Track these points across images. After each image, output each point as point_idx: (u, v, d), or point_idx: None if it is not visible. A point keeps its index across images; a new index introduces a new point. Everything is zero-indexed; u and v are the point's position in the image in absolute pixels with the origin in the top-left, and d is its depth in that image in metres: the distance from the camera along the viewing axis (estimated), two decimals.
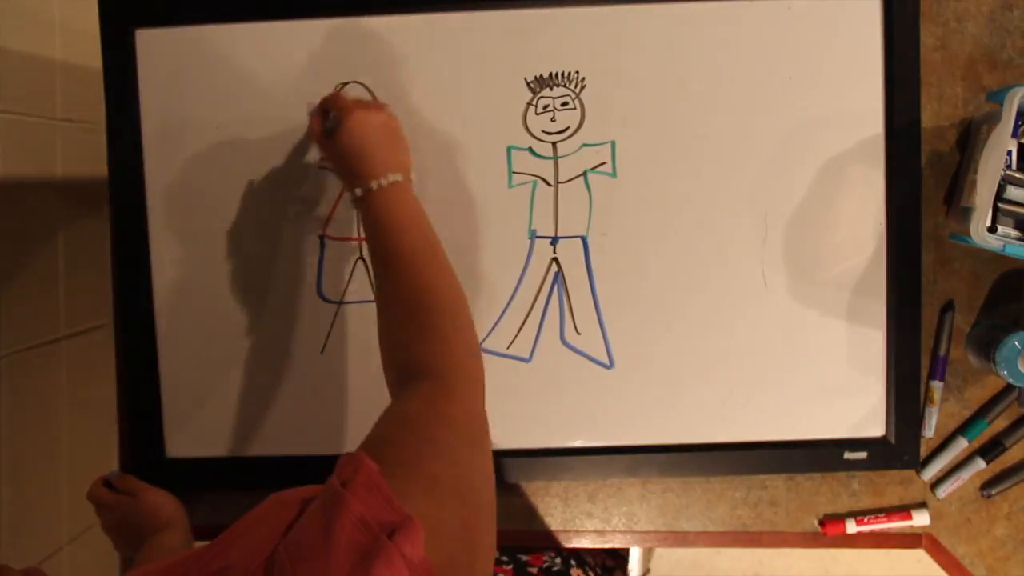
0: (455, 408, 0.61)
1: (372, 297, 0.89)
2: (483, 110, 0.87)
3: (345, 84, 0.87)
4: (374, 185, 0.72)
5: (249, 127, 0.88)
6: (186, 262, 0.90)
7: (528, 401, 0.89)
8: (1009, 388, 0.88)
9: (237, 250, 0.89)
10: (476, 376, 0.66)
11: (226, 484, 0.93)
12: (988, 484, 0.89)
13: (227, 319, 0.90)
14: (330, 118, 0.76)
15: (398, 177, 0.73)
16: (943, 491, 0.89)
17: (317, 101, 0.80)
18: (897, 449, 0.87)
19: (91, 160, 1.36)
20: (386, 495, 0.48)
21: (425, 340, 0.65)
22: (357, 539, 0.45)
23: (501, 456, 0.90)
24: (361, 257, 0.89)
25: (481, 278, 0.88)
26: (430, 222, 0.73)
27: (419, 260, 0.70)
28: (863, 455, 0.87)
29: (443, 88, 0.87)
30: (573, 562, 1.05)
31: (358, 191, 0.73)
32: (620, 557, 1.16)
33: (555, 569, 1.03)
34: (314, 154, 0.88)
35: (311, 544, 0.45)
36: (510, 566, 1.02)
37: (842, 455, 0.88)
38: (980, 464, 0.88)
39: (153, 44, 0.87)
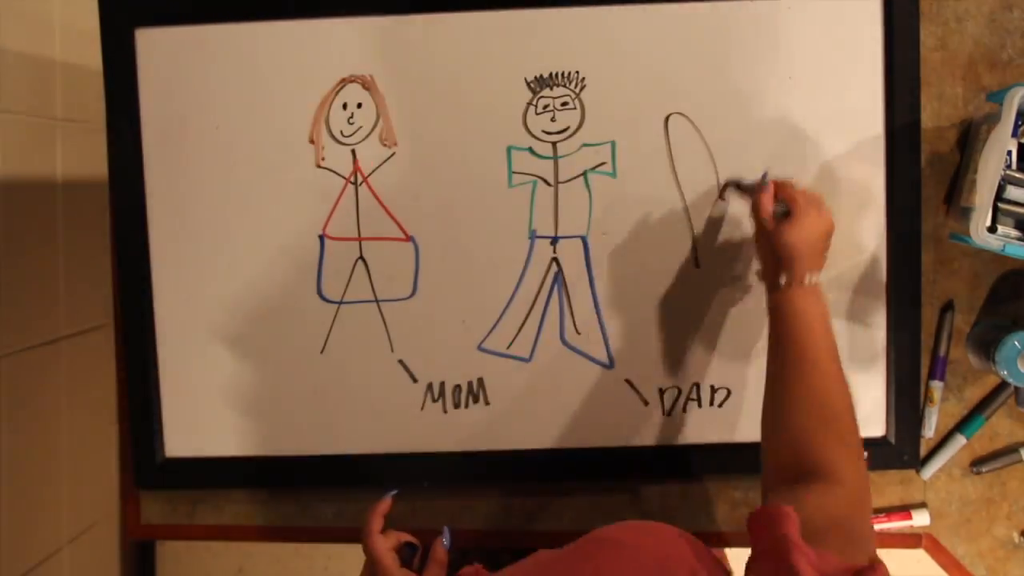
0: (868, 527, 0.64)
1: (371, 298, 0.89)
2: (483, 110, 0.87)
3: (354, 80, 0.87)
4: (805, 281, 0.73)
5: (249, 127, 0.88)
6: (186, 262, 0.90)
7: (528, 401, 0.89)
8: (1005, 384, 0.88)
9: (237, 250, 0.89)
10: (868, 485, 0.68)
11: (226, 484, 0.93)
12: (978, 462, 0.89)
13: (227, 319, 0.90)
14: (778, 203, 0.77)
15: (819, 279, 0.74)
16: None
17: None
18: (897, 449, 0.87)
19: (91, 160, 1.36)
20: None
21: (836, 448, 0.66)
22: None
23: (501, 456, 0.90)
24: (361, 257, 0.89)
25: (481, 278, 0.88)
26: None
27: (831, 364, 0.71)
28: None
29: (443, 88, 0.87)
30: None
31: (783, 280, 0.74)
32: None
33: None
34: (311, 155, 0.88)
35: None
36: None
37: None
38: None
39: (153, 44, 0.88)
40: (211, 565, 1.76)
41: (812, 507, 0.61)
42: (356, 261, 0.89)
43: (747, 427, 0.88)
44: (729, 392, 0.88)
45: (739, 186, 0.85)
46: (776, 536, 0.54)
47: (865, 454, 0.68)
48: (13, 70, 1.20)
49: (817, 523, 0.59)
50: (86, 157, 1.36)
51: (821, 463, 0.65)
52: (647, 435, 0.89)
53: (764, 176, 0.80)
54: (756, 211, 0.77)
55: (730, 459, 0.88)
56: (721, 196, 0.85)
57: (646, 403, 0.89)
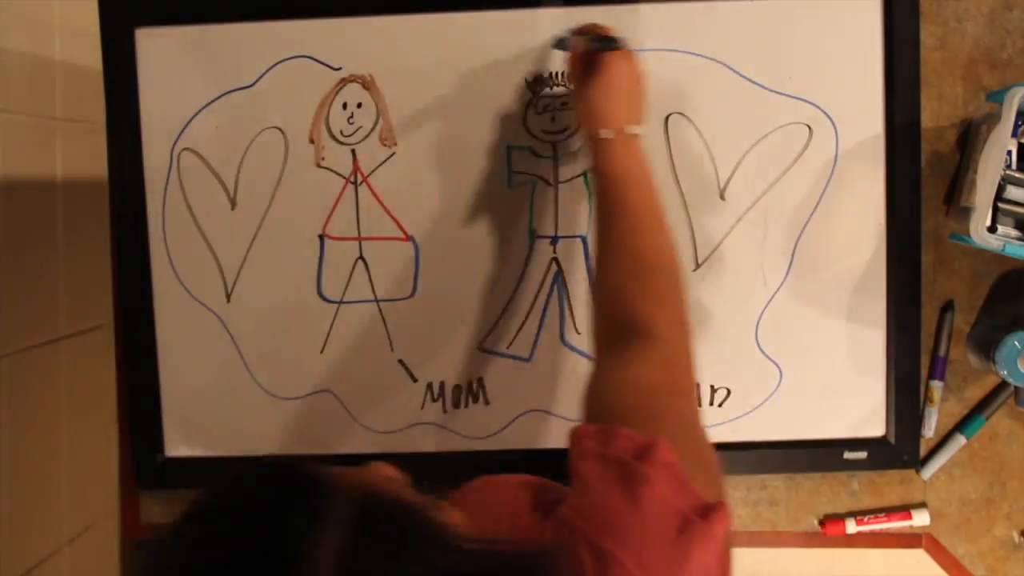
0: (687, 381, 0.62)
1: (371, 297, 0.89)
2: (484, 110, 0.87)
3: (355, 80, 0.87)
4: (625, 131, 0.71)
5: (248, 126, 0.88)
6: (186, 262, 0.90)
7: (528, 401, 0.89)
8: (1005, 384, 0.88)
9: (237, 249, 0.89)
10: (691, 340, 0.65)
11: None
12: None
13: (227, 318, 0.90)
14: (595, 41, 0.74)
15: (641, 130, 0.72)
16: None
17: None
18: (897, 449, 0.87)
19: (91, 160, 1.36)
20: (681, 478, 0.48)
21: (652, 302, 0.64)
22: (668, 517, 0.45)
23: (501, 455, 0.90)
24: (361, 257, 0.89)
25: (481, 278, 0.88)
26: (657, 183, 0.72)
27: (650, 219, 0.69)
28: (863, 455, 0.87)
29: (443, 88, 0.87)
30: None
31: (604, 133, 0.71)
32: None
33: None
34: (311, 155, 0.88)
35: (618, 519, 0.45)
36: None
37: (842, 455, 0.88)
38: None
39: (153, 43, 0.88)
40: None
41: (635, 372, 0.59)
42: (356, 261, 0.89)
43: (747, 427, 0.88)
44: (729, 392, 0.88)
45: (558, 45, 0.80)
46: (631, 452, 0.50)
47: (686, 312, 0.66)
48: (13, 70, 1.20)
49: (627, 394, 0.58)
50: (86, 157, 1.35)
51: (637, 319, 0.63)
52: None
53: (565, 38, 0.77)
54: (571, 57, 0.75)
55: (730, 459, 0.88)
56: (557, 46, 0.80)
57: None
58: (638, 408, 0.56)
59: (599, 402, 0.59)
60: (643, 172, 0.71)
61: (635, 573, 0.43)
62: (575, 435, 0.54)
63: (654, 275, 0.66)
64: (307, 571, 0.35)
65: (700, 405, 0.60)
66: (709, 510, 0.46)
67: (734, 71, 0.85)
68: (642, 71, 0.75)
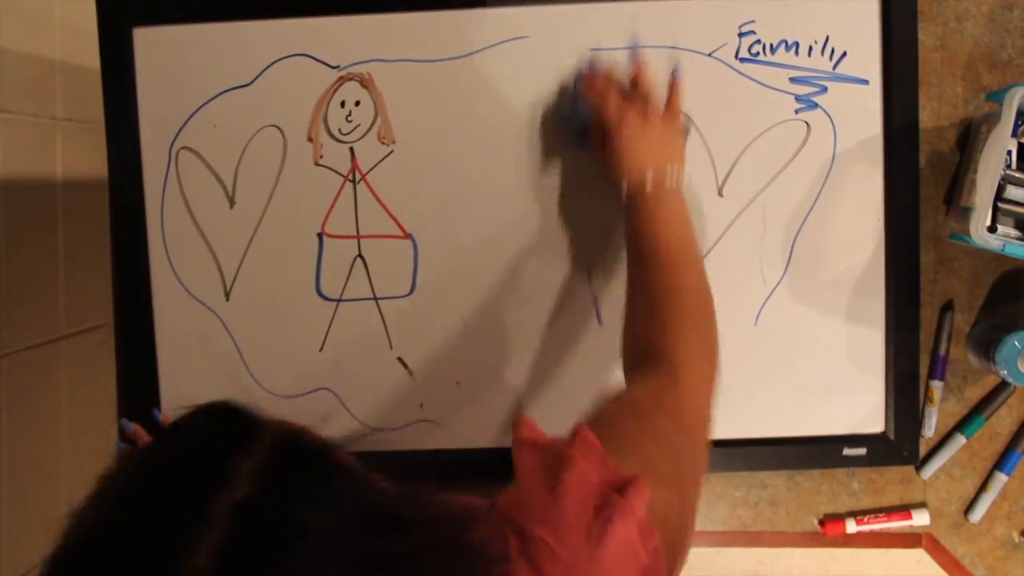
0: (682, 403, 0.62)
1: (370, 295, 0.89)
2: (482, 107, 0.86)
3: (353, 78, 0.87)
4: (666, 183, 0.73)
5: (247, 125, 0.88)
6: (185, 261, 0.90)
7: (527, 401, 0.89)
8: (1005, 384, 0.88)
9: (236, 248, 0.89)
10: (708, 374, 0.66)
11: None
12: None
13: (226, 317, 0.90)
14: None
15: (676, 175, 0.74)
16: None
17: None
18: (896, 445, 0.87)
19: (91, 160, 1.36)
20: (603, 458, 0.50)
21: (664, 330, 0.66)
22: (587, 495, 0.47)
23: (502, 453, 0.89)
24: (360, 255, 0.89)
25: (480, 275, 0.88)
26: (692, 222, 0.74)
27: (679, 256, 0.70)
28: (862, 451, 0.87)
29: (442, 86, 0.86)
30: None
31: (650, 177, 0.73)
32: None
33: None
34: (310, 153, 0.88)
35: (541, 502, 0.47)
36: None
37: (841, 451, 0.87)
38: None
39: (151, 42, 0.88)
40: None
41: (628, 391, 0.62)
42: (355, 259, 0.89)
43: (748, 425, 0.88)
44: (728, 388, 0.88)
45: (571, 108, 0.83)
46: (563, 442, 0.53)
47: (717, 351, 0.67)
48: (13, 70, 1.20)
49: (610, 404, 0.60)
50: (86, 157, 1.36)
51: (652, 348, 0.65)
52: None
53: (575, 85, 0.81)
54: (605, 117, 0.77)
55: (728, 455, 0.88)
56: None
57: None
58: (609, 416, 0.59)
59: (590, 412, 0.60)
60: (676, 215, 0.73)
61: (556, 550, 0.45)
62: (515, 425, 0.56)
63: (677, 307, 0.67)
64: (227, 488, 0.36)
65: (707, 436, 0.61)
66: (627, 484, 0.48)
67: (732, 68, 0.85)
68: (673, 121, 0.78)
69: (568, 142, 0.85)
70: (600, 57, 0.83)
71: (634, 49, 0.83)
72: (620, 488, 0.48)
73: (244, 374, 0.90)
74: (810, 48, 0.85)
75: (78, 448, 1.37)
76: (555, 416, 0.89)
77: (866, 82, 0.85)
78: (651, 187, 0.72)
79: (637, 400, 0.61)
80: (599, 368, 0.88)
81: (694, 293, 0.69)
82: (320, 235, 0.88)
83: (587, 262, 0.88)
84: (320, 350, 0.90)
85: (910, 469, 0.90)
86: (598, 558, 0.45)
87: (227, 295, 0.90)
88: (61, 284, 1.32)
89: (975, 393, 0.89)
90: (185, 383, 0.91)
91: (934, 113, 0.87)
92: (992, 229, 0.80)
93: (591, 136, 0.81)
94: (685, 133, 0.83)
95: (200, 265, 0.90)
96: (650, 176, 0.72)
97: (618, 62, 0.83)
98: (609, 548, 0.46)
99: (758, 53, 0.85)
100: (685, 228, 0.73)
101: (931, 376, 0.89)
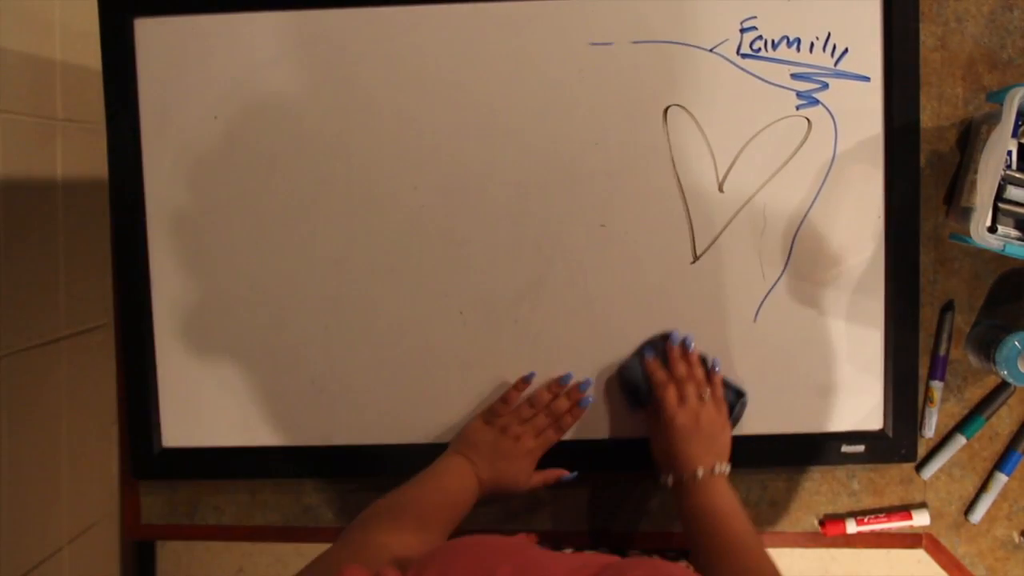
0: None
1: (371, 293, 0.89)
2: (482, 104, 0.87)
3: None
4: (716, 470, 0.78)
5: (248, 119, 0.87)
6: (185, 259, 0.89)
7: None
8: (1005, 384, 0.88)
9: (235, 244, 0.89)
10: None
11: (224, 475, 0.93)
12: None
13: (226, 311, 0.89)
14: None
15: (722, 468, 0.79)
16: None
17: None
18: (895, 443, 0.87)
19: (91, 160, 1.36)
20: None
21: None
22: None
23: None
24: (361, 252, 0.89)
25: (480, 270, 0.88)
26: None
27: (749, 540, 0.74)
28: (860, 448, 0.87)
29: (442, 81, 0.86)
30: None
31: (700, 472, 0.77)
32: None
33: None
34: (313, 150, 0.88)
35: None
36: None
37: (840, 449, 0.87)
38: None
39: (152, 34, 0.87)
40: (211, 565, 1.76)
41: None
42: (356, 256, 0.89)
43: (747, 423, 0.88)
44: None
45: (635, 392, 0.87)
46: None
47: None
48: (13, 70, 1.20)
49: None
50: (86, 157, 1.36)
51: None
52: (646, 430, 0.89)
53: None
54: (660, 411, 0.82)
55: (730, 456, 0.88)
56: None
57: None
58: None
59: None
60: (733, 504, 0.77)
61: None
62: None
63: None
64: None
65: None
66: None
67: (733, 64, 0.85)
68: (712, 416, 0.82)
69: (623, 396, 0.88)
70: (665, 344, 0.86)
71: (685, 345, 0.86)
72: None
73: (244, 372, 0.90)
74: (811, 44, 0.85)
75: (78, 448, 1.37)
76: None
77: (867, 79, 0.85)
78: (701, 479, 0.77)
79: None
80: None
81: (772, 569, 0.71)
82: (321, 232, 0.88)
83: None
84: (320, 347, 0.89)
85: (910, 469, 0.90)
86: None
87: (227, 289, 0.89)
88: (61, 284, 1.32)
89: (975, 393, 0.89)
90: (183, 374, 0.91)
91: (934, 113, 0.87)
92: (992, 229, 0.80)
93: (645, 410, 0.86)
94: (742, 407, 0.87)
95: (200, 262, 0.89)
96: (700, 472, 0.77)
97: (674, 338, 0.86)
98: None
99: (760, 49, 0.85)
100: (744, 513, 0.76)
101: (931, 376, 0.89)
